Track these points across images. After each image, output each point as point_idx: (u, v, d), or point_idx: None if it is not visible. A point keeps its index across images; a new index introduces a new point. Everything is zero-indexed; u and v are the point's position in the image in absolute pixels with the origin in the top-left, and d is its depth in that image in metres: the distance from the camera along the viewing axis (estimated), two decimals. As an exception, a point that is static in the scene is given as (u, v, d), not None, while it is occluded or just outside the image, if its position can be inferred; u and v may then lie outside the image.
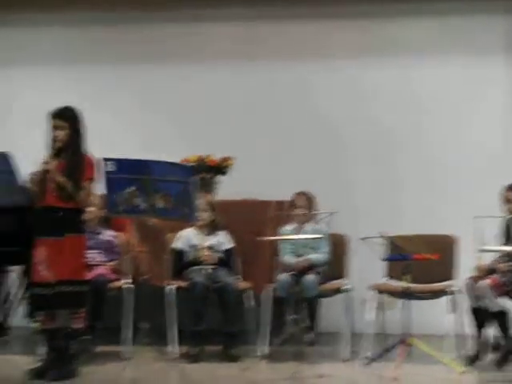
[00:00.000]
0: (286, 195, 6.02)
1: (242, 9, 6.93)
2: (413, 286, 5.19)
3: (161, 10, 7.04)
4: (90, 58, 7.06)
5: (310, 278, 5.47)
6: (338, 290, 5.64)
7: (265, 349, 5.46)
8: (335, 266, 5.78)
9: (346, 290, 5.56)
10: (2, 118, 6.06)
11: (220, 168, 6.26)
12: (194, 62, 7.00)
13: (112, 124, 6.82)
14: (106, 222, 5.80)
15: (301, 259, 5.59)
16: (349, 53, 6.86)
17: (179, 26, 7.03)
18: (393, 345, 5.11)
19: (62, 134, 4.69)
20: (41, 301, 4.70)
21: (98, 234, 5.69)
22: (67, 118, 4.70)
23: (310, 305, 5.56)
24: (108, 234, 5.74)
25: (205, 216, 5.65)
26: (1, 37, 7.15)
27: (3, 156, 4.44)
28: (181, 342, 5.33)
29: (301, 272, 5.50)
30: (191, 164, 5.94)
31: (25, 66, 7.11)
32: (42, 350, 5.16)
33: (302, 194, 5.81)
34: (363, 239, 5.03)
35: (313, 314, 5.62)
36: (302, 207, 5.71)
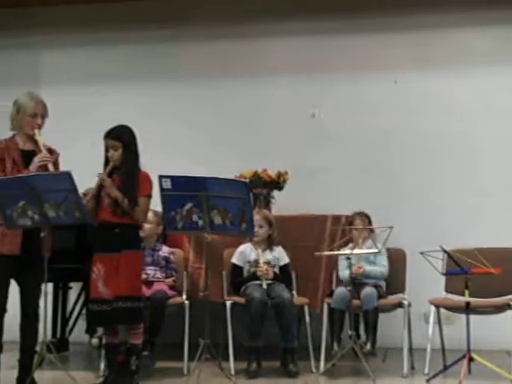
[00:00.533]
0: (342, 210, 6.02)
1: (298, 23, 6.96)
2: (473, 300, 5.10)
3: (214, 27, 7.12)
4: (146, 75, 7.18)
5: (369, 290, 5.44)
6: (396, 305, 5.57)
7: (323, 364, 5.42)
8: (394, 280, 5.74)
9: (405, 305, 5.49)
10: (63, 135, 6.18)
11: (276, 183, 6.27)
12: (248, 77, 7.04)
13: (167, 140, 6.90)
14: (163, 239, 5.86)
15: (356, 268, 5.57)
16: (406, 64, 6.82)
17: (230, 43, 7.09)
18: (454, 361, 5.01)
19: (116, 153, 4.75)
20: (99, 317, 4.74)
21: (157, 250, 5.74)
22: (121, 138, 4.76)
23: (369, 319, 5.51)
24: (165, 251, 5.79)
25: (261, 232, 5.65)
26: (70, 55, 7.35)
27: (67, 174, 4.51)
28: (239, 358, 5.33)
29: (357, 278, 5.48)
30: (247, 179, 5.95)
31: (89, 82, 7.30)
32: (102, 366, 5.23)
33: (360, 213, 5.81)
34: (422, 253, 4.97)
35: (372, 329, 5.56)
36: (366, 229, 5.69)
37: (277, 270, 5.67)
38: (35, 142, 4.69)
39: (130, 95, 7.12)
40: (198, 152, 6.88)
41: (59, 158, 4.83)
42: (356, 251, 5.46)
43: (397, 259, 5.79)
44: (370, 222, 5.81)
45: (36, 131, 4.66)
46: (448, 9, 6.74)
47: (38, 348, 4.74)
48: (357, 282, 5.49)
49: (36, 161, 4.60)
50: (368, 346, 5.53)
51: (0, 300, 4.56)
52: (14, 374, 4.70)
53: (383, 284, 5.67)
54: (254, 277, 5.55)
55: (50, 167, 4.60)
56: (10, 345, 4.71)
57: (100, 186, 4.74)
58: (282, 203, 6.25)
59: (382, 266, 5.70)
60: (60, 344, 6.09)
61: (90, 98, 7.19)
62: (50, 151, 4.70)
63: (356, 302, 5.43)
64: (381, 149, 6.78)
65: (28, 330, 4.65)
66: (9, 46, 7.48)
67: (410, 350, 5.50)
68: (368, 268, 5.64)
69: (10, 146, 4.66)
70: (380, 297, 5.52)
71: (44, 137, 4.71)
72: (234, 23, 7.06)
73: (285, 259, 5.74)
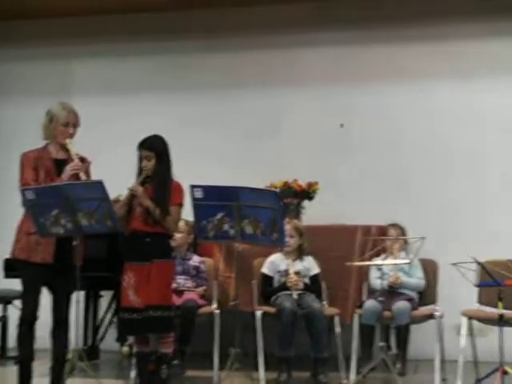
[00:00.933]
0: (372, 220, 5.99)
1: (327, 34, 6.97)
2: (507, 312, 5.03)
3: (244, 37, 7.15)
4: (178, 86, 7.23)
5: (402, 304, 5.39)
6: (428, 316, 5.53)
7: (353, 375, 5.38)
8: (426, 291, 5.69)
9: (437, 317, 5.43)
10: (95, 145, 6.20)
11: (306, 193, 6.26)
12: (278, 87, 7.07)
13: (199, 150, 6.93)
14: (194, 248, 5.87)
15: (391, 278, 5.53)
16: (433, 75, 6.78)
17: (261, 53, 7.12)
18: (487, 373, 4.95)
19: (149, 163, 4.78)
20: (130, 325, 4.75)
21: (187, 259, 5.76)
22: (154, 148, 4.79)
23: (401, 332, 5.47)
24: (196, 260, 5.80)
25: (292, 241, 5.64)
26: (101, 66, 7.44)
27: (99, 183, 4.54)
28: (270, 368, 5.32)
29: (393, 288, 5.43)
30: (277, 189, 5.96)
31: (116, 93, 7.35)
32: (133, 375, 5.25)
33: (394, 225, 5.79)
34: (454, 264, 4.92)
35: (403, 342, 5.51)
36: (399, 240, 5.65)
37: (307, 280, 5.65)
38: (67, 151, 4.72)
39: (161, 105, 7.18)
40: (229, 162, 6.90)
41: (90, 167, 4.86)
42: (387, 261, 5.43)
43: (429, 270, 5.75)
44: (403, 234, 5.78)
45: (68, 140, 4.69)
46: (475, 19, 6.71)
47: (69, 356, 4.77)
48: (390, 291, 5.45)
49: (68, 169, 4.63)
50: (398, 365, 5.49)
51: (31, 308, 4.59)
52: (46, 381, 4.72)
53: (416, 296, 5.63)
54: (284, 287, 5.54)
55: (82, 176, 4.63)
56: (41, 353, 4.74)
57: (132, 196, 4.76)
58: (312, 213, 6.25)
59: (417, 278, 5.66)
60: (91, 352, 6.12)
61: (121, 108, 7.26)
62: (82, 160, 4.73)
63: (387, 313, 5.39)
64: (411, 159, 6.76)
65: (59, 338, 4.67)
66: (40, 56, 7.58)
67: (442, 361, 5.44)
68: (404, 279, 5.61)
69: (43, 155, 4.70)
70: (412, 309, 5.47)
71: (76, 146, 4.75)
72: (264, 34, 7.09)
73: (315, 269, 5.72)
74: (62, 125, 4.69)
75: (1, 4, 7.28)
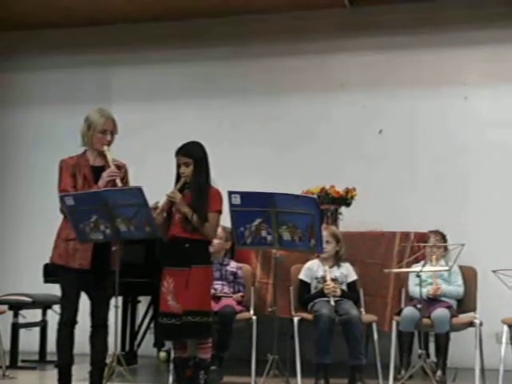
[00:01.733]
0: (411, 227, 5.95)
1: (367, 39, 6.96)
2: (548, 320, 4.97)
3: (282, 43, 7.17)
4: (216, 92, 7.27)
5: (442, 312, 5.34)
6: (468, 324, 5.47)
7: (391, 383, 5.33)
8: (465, 299, 5.63)
9: (477, 324, 5.37)
10: (134, 151, 6.25)
11: (344, 199, 6.24)
12: (315, 93, 7.07)
13: (236, 156, 6.97)
14: (231, 254, 5.88)
15: (432, 287, 5.48)
16: (476, 80, 6.73)
17: (298, 59, 7.13)
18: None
19: (187, 170, 4.78)
20: (169, 330, 4.76)
21: (225, 265, 5.77)
22: (192, 154, 4.78)
23: (440, 340, 5.41)
24: (233, 266, 5.81)
25: (329, 248, 5.61)
26: (141, 72, 7.51)
27: (138, 190, 4.58)
28: (307, 374, 5.30)
29: (432, 299, 5.38)
30: (314, 195, 5.94)
31: (155, 100, 7.43)
32: (171, 380, 5.27)
33: (435, 232, 5.73)
34: (494, 272, 4.86)
35: (443, 350, 5.45)
36: (438, 247, 5.60)
37: (344, 286, 5.62)
38: (105, 158, 4.74)
39: (200, 112, 7.22)
40: (266, 168, 6.91)
41: (128, 174, 4.89)
42: (426, 268, 5.37)
43: (468, 277, 5.68)
44: (444, 241, 5.72)
45: (105, 147, 4.72)
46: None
47: (108, 360, 4.81)
48: (430, 300, 5.40)
49: (104, 176, 4.67)
50: (438, 373, 5.43)
51: (70, 312, 4.64)
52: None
53: (455, 303, 5.57)
54: (322, 293, 5.53)
55: (118, 182, 4.65)
56: (80, 357, 4.79)
57: (170, 202, 4.78)
58: (350, 220, 6.22)
59: (457, 286, 5.61)
60: (129, 357, 6.15)
61: (160, 115, 7.32)
62: (119, 167, 4.75)
63: (426, 321, 5.35)
64: (450, 165, 6.70)
65: (98, 343, 4.72)
66: (81, 63, 7.68)
67: (482, 370, 5.37)
68: (443, 287, 5.55)
69: (81, 162, 4.74)
70: (451, 316, 5.41)
71: (113, 152, 4.77)
72: (301, 39, 7.10)
73: (352, 276, 5.69)
74: (100, 132, 4.71)
75: (41, 13, 7.40)
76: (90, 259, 4.63)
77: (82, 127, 4.79)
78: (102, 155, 4.74)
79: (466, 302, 5.63)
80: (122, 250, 4.76)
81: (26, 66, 7.84)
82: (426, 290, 5.48)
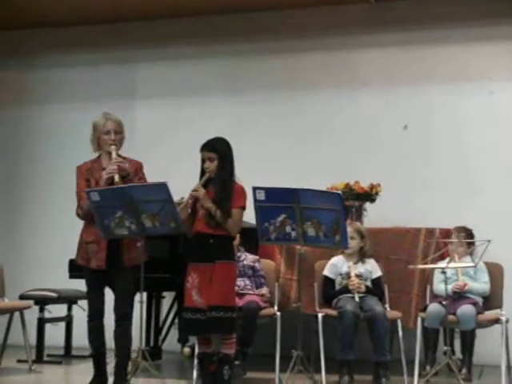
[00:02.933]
0: (436, 223, 5.91)
1: (390, 35, 6.92)
2: None
3: (307, 39, 7.15)
4: (241, 89, 7.29)
5: (467, 309, 5.30)
6: (493, 321, 5.42)
7: (416, 380, 5.30)
8: (491, 295, 5.58)
9: (503, 321, 5.32)
10: (159, 147, 6.30)
11: (368, 195, 6.21)
12: (340, 88, 7.05)
13: (261, 152, 6.97)
14: (255, 250, 5.87)
15: (459, 283, 5.45)
16: (501, 74, 6.67)
17: (323, 55, 7.11)
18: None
19: (211, 165, 4.79)
20: (193, 325, 4.77)
21: (241, 260, 5.73)
22: (216, 150, 4.79)
23: (466, 337, 5.37)
24: (250, 259, 5.80)
25: (353, 244, 5.59)
26: (164, 69, 7.52)
27: (163, 185, 4.60)
28: (331, 371, 5.29)
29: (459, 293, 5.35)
30: (339, 191, 5.91)
31: (179, 97, 7.44)
32: (195, 375, 5.29)
33: (459, 228, 5.68)
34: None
35: (469, 347, 5.42)
36: (462, 243, 5.56)
37: (369, 282, 5.60)
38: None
39: (224, 108, 7.23)
40: (289, 164, 6.90)
41: (143, 170, 4.91)
42: (452, 265, 5.34)
43: (494, 274, 5.63)
44: (470, 237, 5.66)
45: (112, 147, 4.78)
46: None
47: (133, 355, 4.84)
48: (455, 297, 5.37)
49: (103, 174, 4.75)
50: (464, 370, 5.39)
51: (96, 306, 4.76)
52: (111, 381, 4.81)
53: (481, 300, 5.53)
54: (346, 290, 5.51)
55: (116, 178, 4.69)
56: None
57: (194, 197, 4.79)
58: (375, 216, 6.19)
59: (483, 283, 5.56)
60: (153, 352, 6.18)
61: (182, 111, 7.33)
62: (121, 167, 4.77)
63: (452, 317, 5.31)
64: (476, 161, 6.66)
65: (121, 337, 4.76)
66: (105, 61, 7.71)
67: (508, 367, 5.33)
68: (469, 284, 5.51)
69: (95, 166, 4.85)
70: (477, 313, 5.37)
71: (121, 150, 4.83)
72: (324, 35, 7.08)
73: (377, 272, 5.66)
74: (104, 133, 4.82)
75: (62, 11, 7.44)
76: (104, 260, 4.72)
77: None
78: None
79: (491, 299, 5.58)
80: (145, 243, 4.82)
81: (47, 63, 7.89)
82: (452, 287, 5.44)
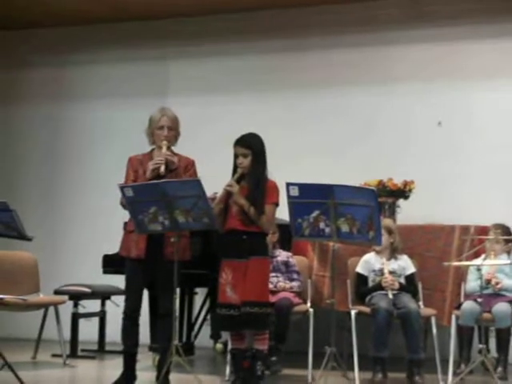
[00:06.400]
0: (471, 220, 5.85)
1: (423, 31, 6.88)
2: None
3: (336, 36, 7.13)
4: (272, 86, 7.28)
5: (503, 306, 5.24)
6: (529, 319, 5.35)
7: (451, 378, 5.26)
8: (527, 293, 5.51)
9: (539, 319, 5.26)
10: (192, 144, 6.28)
11: (402, 192, 6.17)
12: (373, 85, 7.02)
13: (293, 149, 6.96)
14: (289, 246, 5.86)
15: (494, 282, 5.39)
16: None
17: (354, 52, 7.08)
18: None
19: (245, 161, 4.79)
20: (227, 321, 4.77)
21: (275, 256, 5.73)
22: (250, 146, 4.79)
23: (502, 335, 5.31)
24: (283, 255, 5.80)
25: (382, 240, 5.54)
26: (197, 67, 7.54)
27: (196, 181, 4.62)
28: (364, 368, 5.26)
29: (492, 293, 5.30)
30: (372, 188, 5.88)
31: (216, 92, 7.45)
32: (228, 371, 5.29)
33: (497, 225, 5.62)
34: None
35: (505, 345, 5.35)
36: (498, 240, 5.49)
37: (402, 279, 5.56)
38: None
39: (255, 106, 7.24)
40: (323, 160, 6.89)
41: (195, 168, 4.93)
42: (487, 262, 5.27)
43: (530, 271, 5.56)
44: (507, 235, 5.59)
45: (164, 142, 4.80)
46: None
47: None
48: (491, 293, 5.32)
49: (149, 165, 4.77)
50: (499, 369, 5.33)
51: (133, 301, 4.77)
52: (149, 375, 4.87)
53: (517, 297, 5.46)
54: (379, 286, 5.48)
55: (162, 169, 4.72)
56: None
57: (228, 193, 4.79)
58: (409, 212, 6.15)
59: (518, 281, 5.50)
60: (186, 348, 6.17)
61: (216, 108, 7.34)
62: (168, 162, 4.77)
63: (487, 315, 5.25)
64: (510, 156, 6.56)
65: (165, 332, 4.77)
66: (137, 57, 7.75)
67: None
68: (505, 282, 5.45)
69: (146, 159, 4.88)
70: (513, 311, 5.31)
71: (175, 147, 4.89)
72: (360, 31, 7.04)
73: (411, 268, 5.62)
74: (157, 128, 4.85)
75: (97, 8, 7.49)
76: (144, 249, 4.74)
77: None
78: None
79: (527, 297, 5.51)
80: (188, 240, 4.86)
81: (81, 61, 7.95)
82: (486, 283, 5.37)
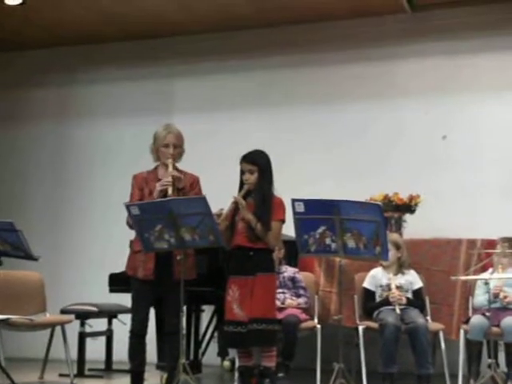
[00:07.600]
0: (477, 234, 5.83)
1: (427, 44, 6.90)
2: None
3: (344, 51, 7.16)
4: (276, 101, 7.30)
5: (511, 321, 5.20)
6: (538, 333, 5.31)
7: (459, 393, 5.24)
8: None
9: (548, 333, 5.21)
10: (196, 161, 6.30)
11: (408, 206, 6.16)
12: (377, 99, 7.03)
13: (299, 164, 6.96)
14: (295, 262, 5.85)
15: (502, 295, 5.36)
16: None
17: (360, 66, 7.09)
18: None
19: (251, 177, 4.79)
20: (234, 338, 4.75)
21: (281, 272, 5.72)
22: (256, 162, 4.80)
23: (511, 350, 5.27)
24: (290, 271, 5.79)
25: (389, 255, 5.52)
26: (201, 84, 7.56)
27: (202, 199, 4.61)
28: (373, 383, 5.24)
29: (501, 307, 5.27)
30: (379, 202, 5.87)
31: (221, 109, 7.49)
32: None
33: (505, 238, 5.58)
34: None
35: (513, 361, 5.33)
36: (506, 254, 5.46)
37: (410, 294, 5.54)
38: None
39: (260, 122, 7.23)
40: (328, 176, 6.89)
41: (199, 185, 4.94)
42: (495, 276, 5.25)
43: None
44: None
45: (169, 160, 4.80)
46: None
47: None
48: (499, 307, 5.29)
49: (157, 186, 4.77)
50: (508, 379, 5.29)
51: (139, 321, 4.76)
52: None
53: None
54: (387, 302, 5.46)
55: (169, 191, 4.72)
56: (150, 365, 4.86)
57: (234, 208, 4.79)
58: (415, 227, 6.14)
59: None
60: (193, 366, 6.15)
61: (221, 125, 7.35)
62: (177, 178, 4.78)
63: (496, 329, 5.22)
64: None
65: (172, 350, 4.76)
66: (143, 76, 7.78)
67: (555, 381, 5.23)
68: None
69: (150, 177, 4.88)
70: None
71: (179, 165, 4.86)
72: (363, 46, 7.06)
73: (418, 283, 5.61)
74: (163, 146, 4.84)
75: (103, 27, 7.53)
76: (152, 270, 4.73)
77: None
78: None
79: (536, 310, 5.47)
80: (193, 259, 4.85)
81: (87, 79, 8.00)
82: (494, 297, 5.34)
